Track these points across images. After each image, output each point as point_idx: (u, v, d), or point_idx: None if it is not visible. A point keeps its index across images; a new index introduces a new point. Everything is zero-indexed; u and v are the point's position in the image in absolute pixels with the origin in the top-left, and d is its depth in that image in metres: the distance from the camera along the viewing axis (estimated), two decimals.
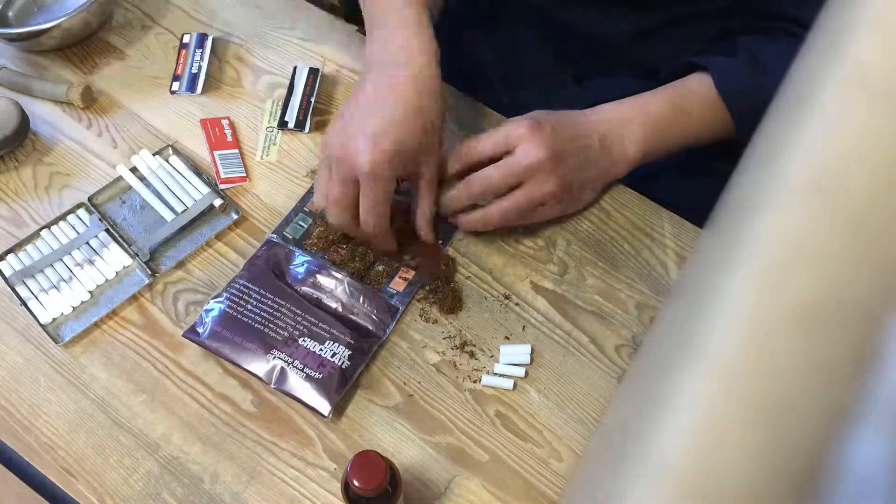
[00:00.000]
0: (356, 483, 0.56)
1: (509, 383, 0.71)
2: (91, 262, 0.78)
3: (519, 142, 0.71)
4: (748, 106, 0.75)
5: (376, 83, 0.70)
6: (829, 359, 0.30)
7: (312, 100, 0.87)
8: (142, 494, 0.67)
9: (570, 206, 0.78)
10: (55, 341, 0.73)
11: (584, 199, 0.79)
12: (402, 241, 0.76)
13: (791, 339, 0.30)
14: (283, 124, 0.86)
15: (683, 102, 0.76)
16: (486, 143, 0.72)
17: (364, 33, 0.92)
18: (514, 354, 0.73)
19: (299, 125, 0.86)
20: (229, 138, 0.86)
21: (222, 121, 0.87)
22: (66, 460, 0.69)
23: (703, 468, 0.30)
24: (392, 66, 0.70)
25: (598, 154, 0.75)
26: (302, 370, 0.69)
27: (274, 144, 0.86)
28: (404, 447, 0.69)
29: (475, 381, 0.72)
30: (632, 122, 0.76)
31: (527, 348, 0.73)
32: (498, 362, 0.73)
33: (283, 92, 0.88)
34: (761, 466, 0.30)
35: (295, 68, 0.90)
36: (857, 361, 0.29)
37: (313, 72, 0.89)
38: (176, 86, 0.90)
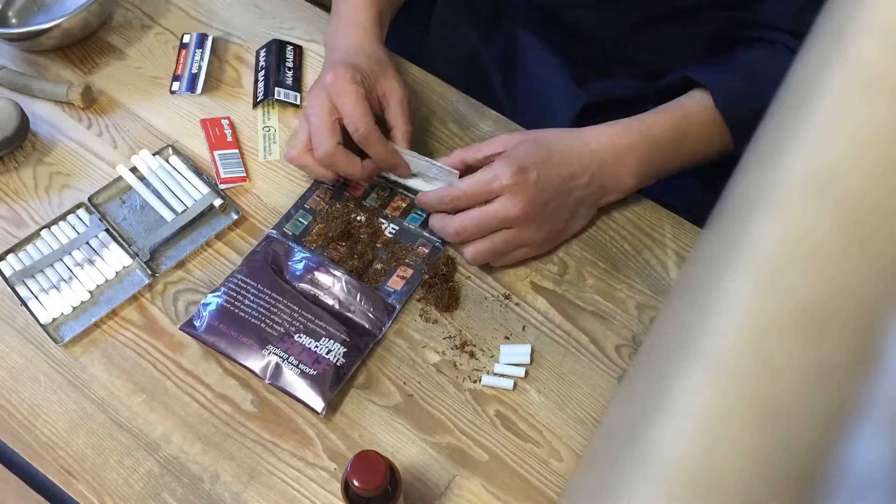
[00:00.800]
0: (356, 483, 0.56)
1: (509, 383, 0.71)
2: (91, 262, 0.78)
3: (501, 192, 0.71)
4: (748, 124, 0.74)
5: (331, 50, 0.82)
6: (829, 359, 0.30)
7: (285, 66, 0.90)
8: (142, 494, 0.67)
9: (551, 244, 0.78)
10: (55, 341, 0.73)
11: (575, 228, 0.79)
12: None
13: (791, 339, 0.30)
14: (264, 99, 0.88)
15: (684, 128, 0.76)
16: (468, 183, 0.73)
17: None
18: (514, 354, 0.73)
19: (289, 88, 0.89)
20: (229, 138, 0.86)
21: (222, 121, 0.87)
22: (66, 460, 0.69)
23: (702, 468, 0.30)
24: (338, 25, 0.83)
25: (588, 190, 0.75)
26: (297, 366, 0.69)
27: (274, 143, 0.86)
28: (404, 447, 0.69)
29: (475, 381, 0.72)
30: (631, 151, 0.75)
31: (527, 348, 0.73)
32: (498, 362, 0.73)
33: None
34: (761, 466, 0.30)
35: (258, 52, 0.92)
36: (857, 361, 0.29)
37: (276, 44, 0.92)
38: (176, 86, 0.90)
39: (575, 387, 0.72)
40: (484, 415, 0.71)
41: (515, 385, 0.72)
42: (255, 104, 0.88)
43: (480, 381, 0.72)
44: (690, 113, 0.76)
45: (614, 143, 0.75)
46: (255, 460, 0.69)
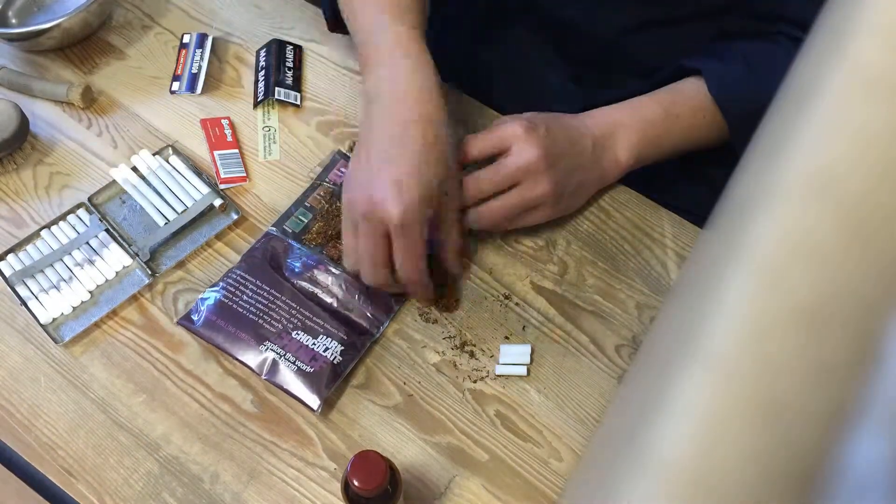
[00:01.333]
0: (356, 483, 0.56)
1: (522, 370, 0.72)
2: (91, 262, 0.78)
3: (514, 141, 0.70)
4: (743, 111, 0.74)
5: (383, 125, 0.67)
6: (829, 359, 0.30)
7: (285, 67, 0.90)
8: (142, 494, 0.67)
9: (561, 211, 0.77)
10: (55, 341, 0.73)
11: (576, 204, 0.78)
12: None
13: (791, 339, 0.30)
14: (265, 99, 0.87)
15: (676, 107, 0.76)
16: (480, 143, 0.72)
17: None
18: (514, 354, 0.73)
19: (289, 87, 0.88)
20: (229, 138, 0.86)
21: (222, 121, 0.87)
22: (66, 460, 0.69)
23: (703, 468, 0.30)
24: (396, 103, 0.67)
25: (590, 158, 0.75)
26: (293, 363, 0.69)
27: (274, 143, 0.86)
28: (404, 447, 0.69)
29: (475, 381, 0.72)
30: (624, 126, 0.76)
31: (527, 349, 0.73)
32: (498, 363, 0.73)
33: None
34: (761, 466, 0.30)
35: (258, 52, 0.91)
36: (857, 361, 0.29)
37: (276, 43, 0.92)
38: (176, 86, 0.90)
39: (575, 387, 0.72)
40: (484, 415, 0.71)
41: (529, 371, 0.72)
42: (256, 104, 0.88)
43: (494, 370, 0.72)
44: (683, 95, 0.76)
45: (607, 121, 0.76)
46: (255, 460, 0.69)
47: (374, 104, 0.68)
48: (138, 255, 0.78)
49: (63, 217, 0.80)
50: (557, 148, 0.72)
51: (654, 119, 0.76)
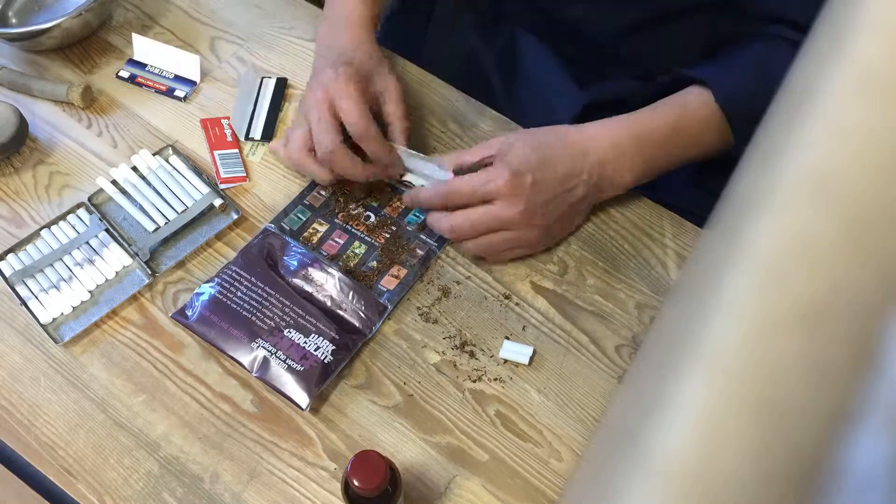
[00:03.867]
0: (356, 483, 0.56)
1: (525, 358, 0.72)
2: (91, 262, 0.78)
3: (498, 195, 0.71)
4: (749, 119, 0.74)
5: (323, 35, 0.84)
6: (829, 359, 0.30)
7: (279, 114, 0.88)
8: (142, 494, 0.67)
9: (550, 242, 0.78)
10: (55, 341, 0.73)
11: (570, 228, 0.79)
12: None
13: (791, 339, 0.30)
14: (248, 137, 0.86)
15: (682, 122, 0.75)
16: (465, 183, 0.73)
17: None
18: (514, 353, 0.73)
19: (265, 137, 0.86)
20: (229, 138, 0.86)
21: (222, 120, 0.87)
22: (66, 460, 0.69)
23: (702, 468, 0.30)
24: (334, 19, 0.84)
25: (586, 189, 0.75)
26: (284, 361, 0.70)
27: (262, 145, 0.86)
28: (404, 447, 0.69)
29: (475, 381, 0.72)
30: (628, 149, 0.75)
31: (528, 349, 0.73)
32: (500, 351, 0.73)
33: (236, 96, 0.88)
34: (761, 466, 0.30)
35: (261, 80, 0.90)
36: (857, 361, 0.29)
37: (282, 81, 0.89)
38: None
39: (575, 387, 0.72)
40: (484, 415, 0.71)
41: (531, 360, 0.72)
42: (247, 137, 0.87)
43: (499, 351, 0.72)
44: (689, 108, 0.75)
45: (612, 142, 0.74)
46: (255, 460, 0.69)
47: (322, 24, 0.85)
48: (138, 255, 0.78)
49: (63, 217, 0.80)
50: (544, 196, 0.72)
51: (659, 137, 0.75)
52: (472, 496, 0.67)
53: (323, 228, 0.79)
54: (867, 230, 0.29)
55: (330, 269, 0.75)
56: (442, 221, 0.74)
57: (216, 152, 0.85)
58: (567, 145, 0.74)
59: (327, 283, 0.75)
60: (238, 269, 0.74)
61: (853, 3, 0.31)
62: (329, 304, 0.74)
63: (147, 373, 0.73)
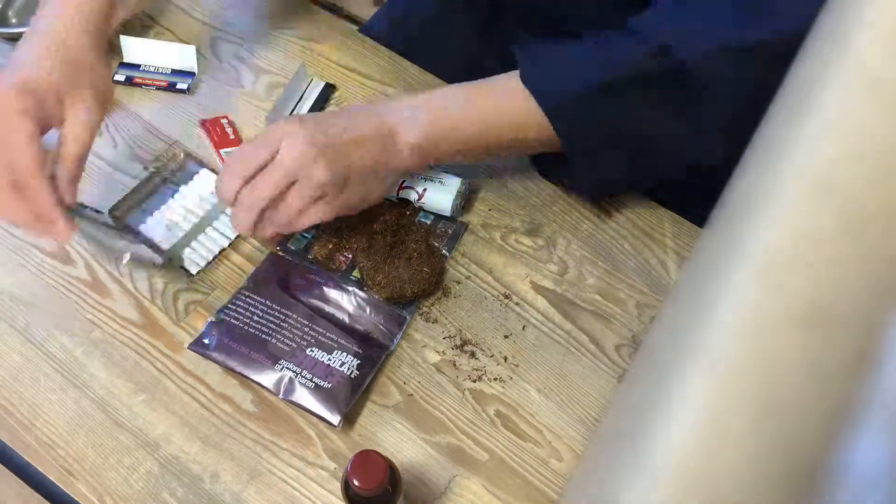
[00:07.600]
0: (356, 483, 0.56)
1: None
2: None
3: (282, 138, 0.68)
4: (560, 96, 0.70)
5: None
6: (829, 359, 0.30)
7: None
8: (142, 494, 0.67)
9: (353, 199, 0.72)
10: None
11: (372, 191, 0.74)
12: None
13: (791, 339, 0.30)
14: None
15: (481, 93, 0.73)
16: (249, 153, 0.70)
17: (361, 34, 0.92)
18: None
19: None
20: (232, 136, 0.86)
21: (221, 119, 0.87)
22: (66, 460, 0.69)
23: (702, 468, 0.30)
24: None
25: (377, 142, 0.71)
26: (310, 380, 0.69)
27: None
28: (404, 447, 0.69)
29: (475, 381, 0.72)
30: (417, 108, 0.72)
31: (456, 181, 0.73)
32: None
33: (282, 91, 0.88)
34: (761, 466, 0.30)
35: (311, 80, 0.89)
36: (857, 361, 0.29)
37: (330, 87, 0.89)
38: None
39: (575, 387, 0.72)
40: (484, 414, 0.71)
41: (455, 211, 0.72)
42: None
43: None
44: (494, 82, 0.74)
45: (402, 105, 0.73)
46: (255, 460, 0.69)
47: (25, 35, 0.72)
48: (171, 261, 0.77)
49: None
50: (328, 137, 0.69)
51: (448, 101, 0.73)
52: (472, 496, 0.67)
53: (327, 243, 0.78)
54: (867, 230, 0.29)
55: (344, 286, 0.75)
56: (242, 200, 0.70)
57: (222, 151, 0.85)
58: (354, 109, 0.73)
59: (343, 300, 0.74)
60: (250, 294, 0.74)
61: (853, 3, 0.31)
62: (347, 320, 0.74)
63: (147, 372, 0.73)
